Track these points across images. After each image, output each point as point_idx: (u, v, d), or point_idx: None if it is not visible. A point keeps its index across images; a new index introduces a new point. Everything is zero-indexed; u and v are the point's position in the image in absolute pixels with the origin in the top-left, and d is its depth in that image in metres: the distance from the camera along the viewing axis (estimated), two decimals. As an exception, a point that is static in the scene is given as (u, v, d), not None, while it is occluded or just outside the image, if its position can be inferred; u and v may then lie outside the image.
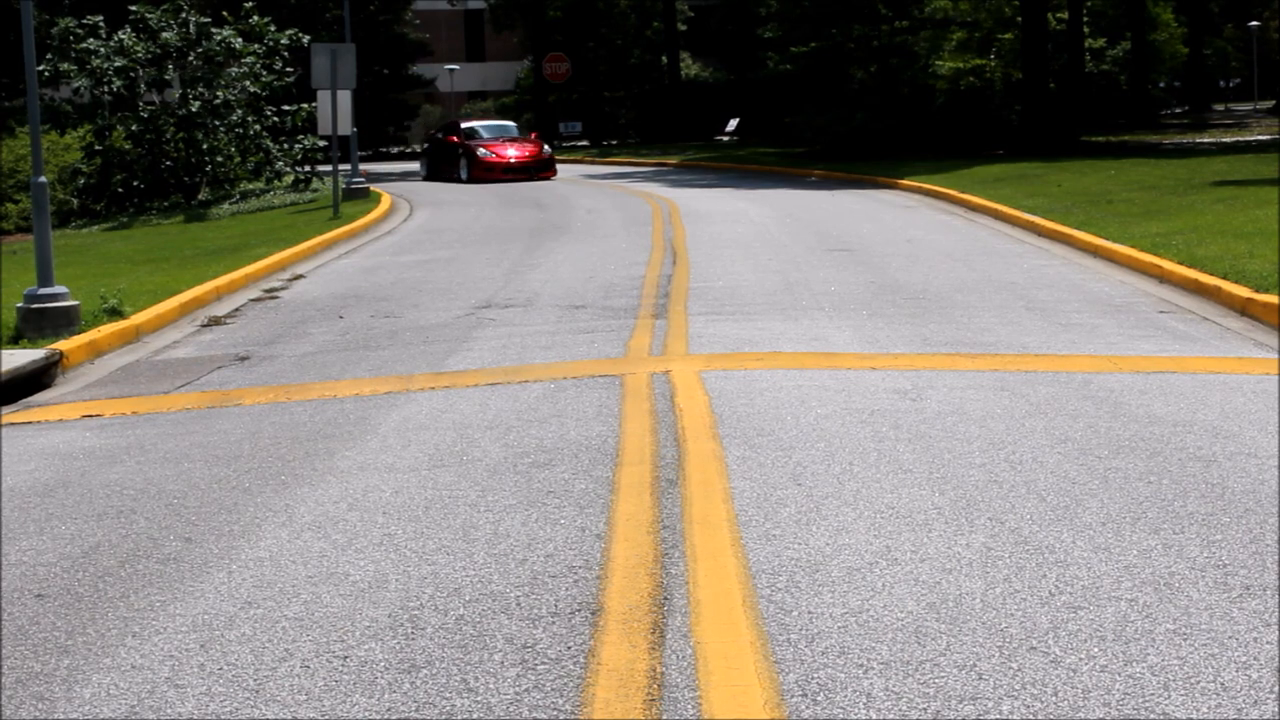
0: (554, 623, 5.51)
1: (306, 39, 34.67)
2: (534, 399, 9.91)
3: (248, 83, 34.05)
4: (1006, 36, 46.46)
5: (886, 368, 10.65)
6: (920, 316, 13.47)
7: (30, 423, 10.70)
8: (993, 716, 4.57)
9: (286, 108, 34.82)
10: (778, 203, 28.52)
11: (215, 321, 15.87)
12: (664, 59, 66.23)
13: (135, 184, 33.63)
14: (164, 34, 33.47)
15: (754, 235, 21.83)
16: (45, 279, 14.63)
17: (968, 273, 16.98)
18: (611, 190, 34.99)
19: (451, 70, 77.18)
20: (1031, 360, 10.95)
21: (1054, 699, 4.67)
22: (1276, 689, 4.71)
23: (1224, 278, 14.28)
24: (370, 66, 59.24)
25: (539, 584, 5.97)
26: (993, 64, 45.14)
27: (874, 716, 4.59)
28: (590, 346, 12.10)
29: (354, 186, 32.45)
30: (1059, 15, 48.43)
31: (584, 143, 66.02)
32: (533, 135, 41.80)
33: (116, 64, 32.82)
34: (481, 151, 39.58)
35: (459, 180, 39.59)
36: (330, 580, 6.18)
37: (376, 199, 31.98)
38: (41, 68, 31.65)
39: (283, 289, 18.50)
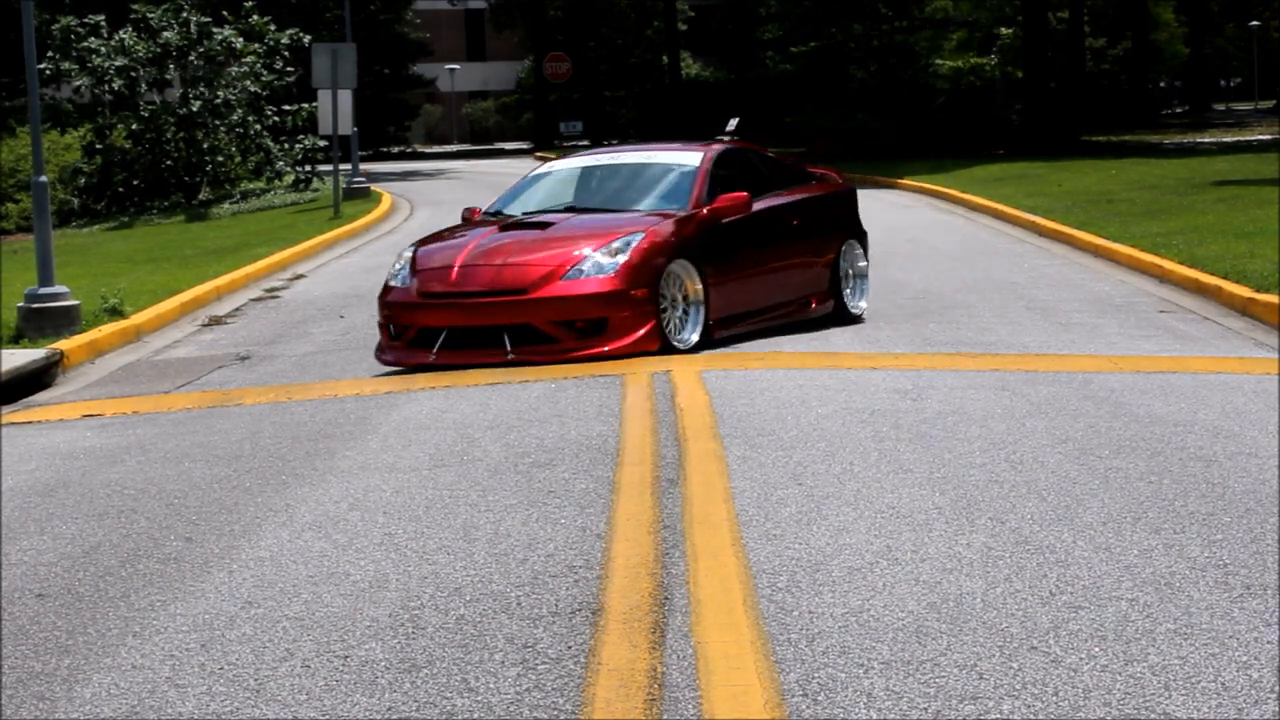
0: (554, 622, 5.51)
1: (307, 39, 34.63)
2: (534, 399, 9.90)
3: (248, 82, 34.03)
4: (1006, 33, 46.46)
5: (887, 367, 10.65)
6: (921, 316, 13.47)
7: (31, 422, 10.70)
8: (993, 716, 4.57)
9: (287, 107, 34.79)
10: (778, 202, 28.48)
11: (216, 321, 15.88)
12: (664, 58, 66.20)
13: (136, 183, 33.62)
14: (165, 33, 33.45)
15: (754, 235, 21.79)
16: (46, 279, 14.63)
17: (968, 272, 16.98)
18: (612, 190, 34.93)
19: (452, 70, 77.18)
20: (1032, 360, 10.95)
21: (1054, 699, 4.67)
22: (1277, 689, 4.70)
23: (1225, 277, 14.28)
24: (371, 66, 59.17)
25: (539, 584, 5.97)
26: (993, 63, 45.15)
27: (875, 716, 4.59)
28: (591, 346, 12.07)
29: (355, 186, 32.44)
30: (1059, 15, 48.44)
31: (585, 142, 65.94)
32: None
33: (117, 63, 32.81)
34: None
35: None
36: (331, 580, 6.18)
37: (377, 199, 31.98)
38: (42, 65, 31.63)
39: (283, 288, 18.51)
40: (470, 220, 12.95)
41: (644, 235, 11.57)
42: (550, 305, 11.22)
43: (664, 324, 11.39)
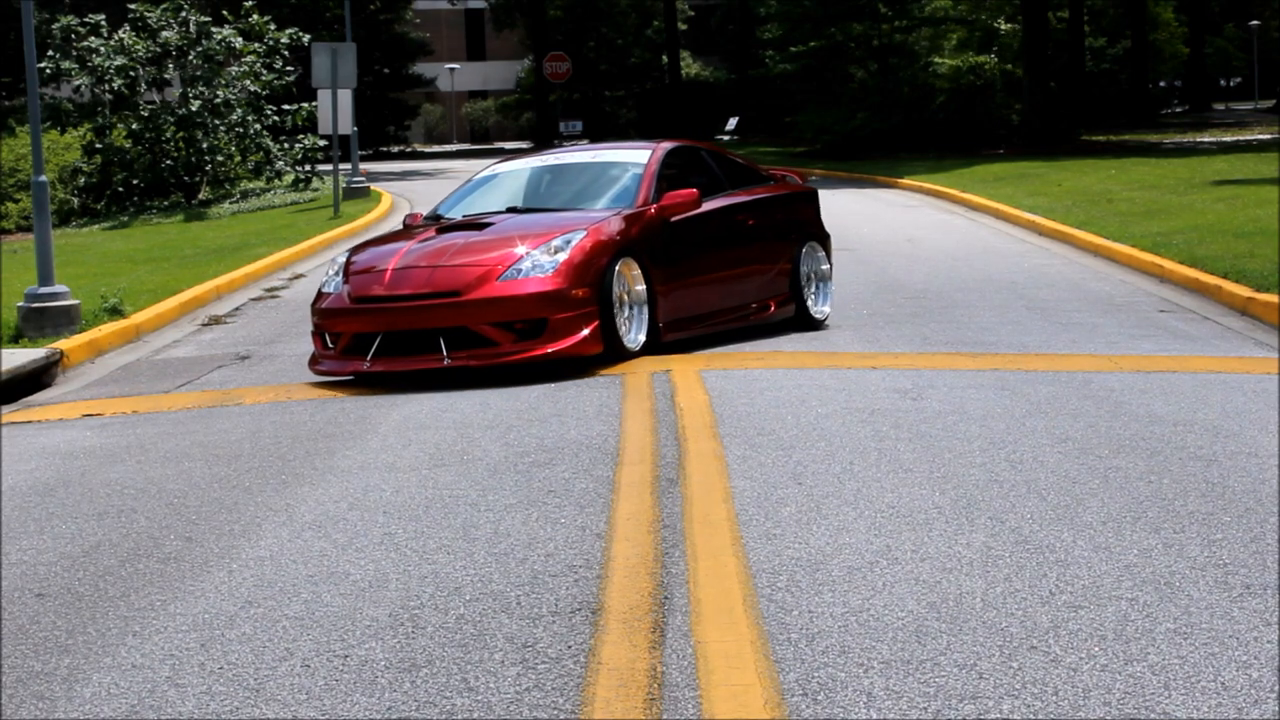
0: (554, 622, 5.51)
1: (307, 38, 34.62)
2: (534, 398, 9.90)
3: (248, 82, 34.03)
4: (1006, 28, 46.42)
5: (887, 367, 10.65)
6: (921, 316, 13.47)
7: (30, 422, 10.70)
8: (993, 716, 4.57)
9: (287, 107, 34.78)
10: (778, 202, 28.46)
11: (215, 321, 15.88)
12: (664, 58, 66.25)
13: (135, 183, 33.60)
14: (164, 33, 33.45)
15: (754, 234, 21.79)
16: (46, 278, 14.63)
17: (968, 272, 16.99)
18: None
19: (452, 69, 77.20)
20: (1032, 359, 10.95)
21: (1054, 698, 4.67)
22: (1276, 688, 4.70)
23: (1224, 277, 14.28)
24: (371, 66, 59.18)
25: (539, 583, 5.97)
26: (993, 62, 45.16)
27: (874, 715, 4.59)
28: (591, 346, 12.06)
29: (354, 186, 32.43)
30: (1059, 14, 48.41)
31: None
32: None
33: (117, 62, 32.81)
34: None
35: None
36: (331, 579, 6.18)
37: (377, 198, 31.98)
38: (42, 64, 31.63)
39: (283, 288, 18.51)
40: (411, 225, 12.47)
41: (586, 234, 11.05)
42: (487, 307, 10.68)
43: (612, 325, 10.89)
